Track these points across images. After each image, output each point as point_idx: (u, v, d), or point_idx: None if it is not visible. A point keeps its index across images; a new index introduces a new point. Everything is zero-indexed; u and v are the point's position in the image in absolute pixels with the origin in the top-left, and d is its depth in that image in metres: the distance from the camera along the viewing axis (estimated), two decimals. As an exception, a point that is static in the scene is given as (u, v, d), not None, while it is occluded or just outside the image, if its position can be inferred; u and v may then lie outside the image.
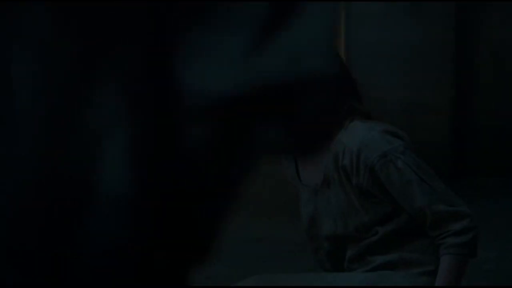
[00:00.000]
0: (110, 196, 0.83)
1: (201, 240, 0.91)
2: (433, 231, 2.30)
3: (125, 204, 0.83)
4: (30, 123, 0.82)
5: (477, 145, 5.50)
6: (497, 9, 5.30)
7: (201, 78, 0.85)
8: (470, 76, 5.48)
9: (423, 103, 5.36)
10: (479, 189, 5.24)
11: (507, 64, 5.44)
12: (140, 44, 0.83)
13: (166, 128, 0.85)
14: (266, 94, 0.89)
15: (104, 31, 0.83)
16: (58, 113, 0.81)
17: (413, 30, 5.28)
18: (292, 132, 1.06)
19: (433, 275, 2.30)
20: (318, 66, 0.89)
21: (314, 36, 0.90)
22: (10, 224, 0.83)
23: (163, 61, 0.83)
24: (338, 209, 2.38)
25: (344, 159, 2.31)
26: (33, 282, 0.85)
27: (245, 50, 0.81)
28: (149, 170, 0.82)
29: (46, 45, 0.82)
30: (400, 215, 2.33)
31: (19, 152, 0.80)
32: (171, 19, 0.82)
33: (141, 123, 0.84)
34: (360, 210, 2.34)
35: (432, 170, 2.34)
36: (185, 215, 0.87)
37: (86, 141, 0.82)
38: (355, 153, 2.29)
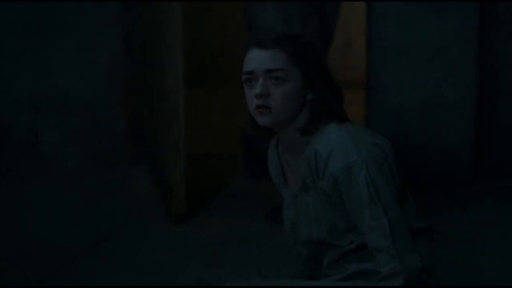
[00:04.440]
0: None
1: None
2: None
3: None
4: None
5: (501, 145, 5.40)
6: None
7: None
8: (494, 75, 5.37)
9: (445, 103, 5.28)
10: (502, 191, 5.14)
11: (533, 62, 5.34)
12: None
13: None
14: None
15: None
16: None
17: (436, 28, 5.20)
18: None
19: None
20: None
21: None
22: None
23: None
24: (314, 214, 2.36)
25: (316, 163, 2.28)
26: None
27: None
28: None
29: None
30: None
31: None
32: None
33: None
34: (330, 215, 2.32)
35: (394, 191, 2.23)
36: None
37: None
38: (324, 159, 2.25)
